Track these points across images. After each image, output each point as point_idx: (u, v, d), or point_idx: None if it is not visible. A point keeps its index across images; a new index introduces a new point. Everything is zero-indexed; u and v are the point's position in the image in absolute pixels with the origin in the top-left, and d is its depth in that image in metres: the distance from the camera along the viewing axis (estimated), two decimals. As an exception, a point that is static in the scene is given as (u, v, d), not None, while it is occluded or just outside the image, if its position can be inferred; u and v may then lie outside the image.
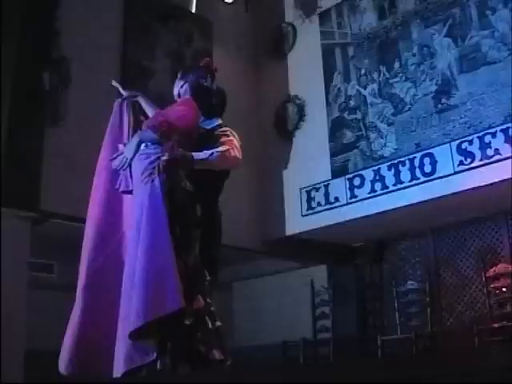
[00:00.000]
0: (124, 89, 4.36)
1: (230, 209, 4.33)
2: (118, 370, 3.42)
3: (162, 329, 3.46)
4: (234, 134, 4.17)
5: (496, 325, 7.16)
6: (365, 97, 8.54)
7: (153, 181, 3.67)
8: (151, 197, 3.63)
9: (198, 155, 3.84)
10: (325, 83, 9.00)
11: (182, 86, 4.20)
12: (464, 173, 7.24)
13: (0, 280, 5.49)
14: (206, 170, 3.89)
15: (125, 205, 3.98)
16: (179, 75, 4.24)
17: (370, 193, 8.08)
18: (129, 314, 3.43)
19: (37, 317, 6.23)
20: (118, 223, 3.95)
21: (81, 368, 3.66)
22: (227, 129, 4.18)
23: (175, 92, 4.26)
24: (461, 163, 7.28)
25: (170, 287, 3.40)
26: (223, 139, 4.05)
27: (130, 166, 3.88)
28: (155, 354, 3.38)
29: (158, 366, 3.48)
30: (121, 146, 3.99)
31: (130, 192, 3.86)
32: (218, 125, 4.22)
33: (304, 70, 9.32)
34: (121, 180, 3.90)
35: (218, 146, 3.97)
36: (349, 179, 8.36)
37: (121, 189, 3.91)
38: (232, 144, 4.03)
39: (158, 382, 3.21)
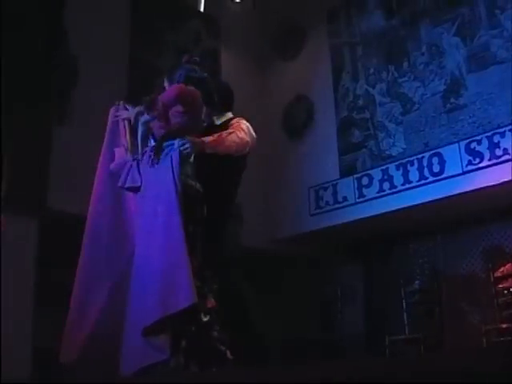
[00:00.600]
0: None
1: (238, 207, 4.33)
2: (129, 367, 3.38)
3: (176, 325, 3.43)
4: (245, 121, 4.15)
5: (504, 325, 7.14)
6: (373, 96, 8.53)
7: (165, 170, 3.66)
8: (165, 190, 3.60)
9: (207, 139, 3.83)
10: (333, 82, 9.00)
11: None
12: (472, 173, 7.22)
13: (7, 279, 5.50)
14: (221, 166, 3.89)
15: (127, 204, 3.96)
16: (166, 82, 4.13)
17: (378, 192, 8.07)
18: (142, 310, 3.40)
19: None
20: (121, 223, 3.93)
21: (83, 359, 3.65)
22: (238, 118, 4.19)
23: None
24: (469, 163, 7.26)
25: (183, 283, 3.37)
26: (233, 126, 4.06)
27: (138, 164, 3.86)
28: (169, 353, 3.33)
29: (172, 364, 3.44)
30: (117, 150, 3.99)
31: (137, 188, 3.82)
32: (229, 118, 4.22)
33: (312, 69, 9.32)
34: (126, 176, 3.87)
35: None
36: (357, 179, 8.35)
37: (127, 184, 3.85)
38: (239, 127, 4.03)
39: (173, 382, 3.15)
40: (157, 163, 3.73)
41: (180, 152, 3.69)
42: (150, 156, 3.79)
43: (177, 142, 3.72)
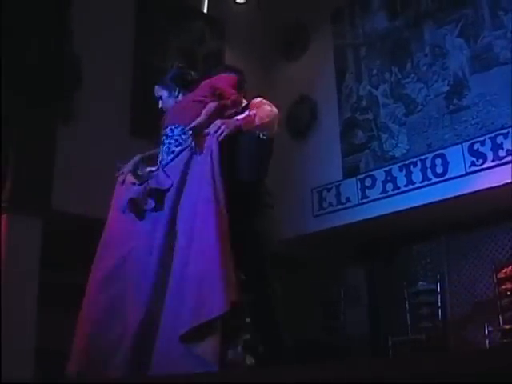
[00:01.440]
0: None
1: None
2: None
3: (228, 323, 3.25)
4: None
5: (507, 326, 7.13)
6: (377, 97, 8.52)
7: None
8: (204, 185, 3.42)
9: (238, 117, 3.75)
10: (337, 83, 9.00)
11: (177, 95, 4.08)
12: (476, 174, 7.21)
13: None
14: (241, 152, 3.82)
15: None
16: (160, 89, 4.10)
17: (381, 193, 8.07)
18: (178, 317, 3.22)
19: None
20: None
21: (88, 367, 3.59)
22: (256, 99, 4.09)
23: (171, 103, 4.09)
24: (472, 164, 7.25)
25: (218, 287, 3.18)
26: (255, 104, 3.98)
27: (163, 169, 3.70)
28: (218, 366, 3.07)
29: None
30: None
31: (164, 191, 3.59)
32: (246, 104, 4.08)
33: (316, 70, 9.32)
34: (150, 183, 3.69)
35: None
36: (360, 180, 8.35)
37: (153, 186, 3.63)
38: (263, 102, 3.98)
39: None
40: (200, 153, 3.52)
41: (217, 138, 3.53)
42: (190, 149, 3.59)
43: (212, 128, 3.56)
